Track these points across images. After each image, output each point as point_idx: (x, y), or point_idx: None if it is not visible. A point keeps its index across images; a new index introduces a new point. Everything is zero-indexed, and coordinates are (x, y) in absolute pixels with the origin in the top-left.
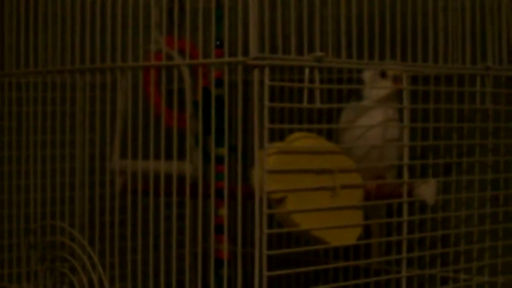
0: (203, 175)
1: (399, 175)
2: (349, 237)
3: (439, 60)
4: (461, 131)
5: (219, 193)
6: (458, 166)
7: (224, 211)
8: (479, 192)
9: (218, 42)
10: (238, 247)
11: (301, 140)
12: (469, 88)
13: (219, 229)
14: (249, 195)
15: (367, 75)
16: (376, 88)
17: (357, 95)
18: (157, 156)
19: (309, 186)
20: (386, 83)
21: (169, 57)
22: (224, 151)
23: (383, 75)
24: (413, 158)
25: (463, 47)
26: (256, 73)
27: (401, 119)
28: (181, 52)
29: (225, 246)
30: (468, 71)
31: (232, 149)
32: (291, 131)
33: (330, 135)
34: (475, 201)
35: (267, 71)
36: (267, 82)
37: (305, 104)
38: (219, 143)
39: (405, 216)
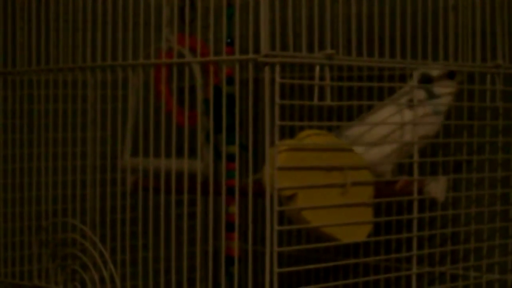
0: (214, 173)
1: (410, 172)
2: (360, 234)
3: (450, 58)
4: (471, 129)
5: (230, 191)
6: (468, 164)
7: (235, 209)
8: (489, 190)
9: (229, 40)
10: (249, 245)
11: (311, 137)
12: (480, 86)
13: (230, 227)
14: (260, 192)
15: (435, 74)
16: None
17: (429, 93)
18: (168, 154)
19: (319, 183)
20: (453, 84)
21: (181, 55)
22: (235, 148)
23: (450, 76)
24: (423, 156)
25: (473, 45)
26: (267, 70)
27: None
28: (192, 50)
29: (236, 244)
30: (478, 69)
31: (243, 148)
32: (302, 128)
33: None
34: (485, 199)
35: (278, 68)
36: (278, 79)
37: (315, 101)
38: (230, 141)
39: (415, 214)
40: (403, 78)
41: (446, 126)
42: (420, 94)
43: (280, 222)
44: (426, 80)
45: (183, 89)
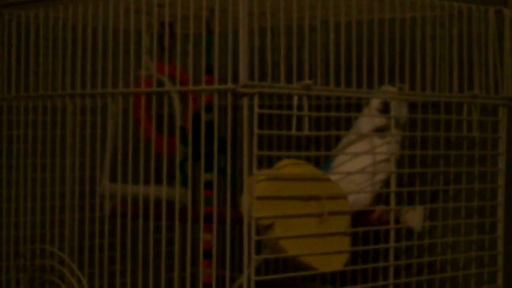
0: (192, 200)
1: (386, 202)
2: (337, 263)
3: (427, 88)
4: (448, 158)
5: (207, 218)
6: (445, 193)
7: (212, 236)
8: (466, 219)
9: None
10: (226, 272)
11: (289, 166)
12: (456, 116)
13: (206, 254)
14: (237, 220)
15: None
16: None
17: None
18: (146, 181)
19: (297, 212)
20: (381, 119)
21: (160, 83)
22: (213, 176)
23: (383, 110)
24: (400, 185)
25: (450, 75)
26: (245, 100)
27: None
28: (172, 77)
29: (213, 270)
30: (455, 99)
31: (221, 172)
32: (279, 158)
33: (318, 162)
34: (461, 228)
35: (256, 98)
36: (256, 109)
37: (293, 132)
38: (208, 168)
39: (392, 243)
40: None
41: (423, 156)
42: (382, 121)
43: (258, 250)
44: (385, 106)
45: (162, 116)
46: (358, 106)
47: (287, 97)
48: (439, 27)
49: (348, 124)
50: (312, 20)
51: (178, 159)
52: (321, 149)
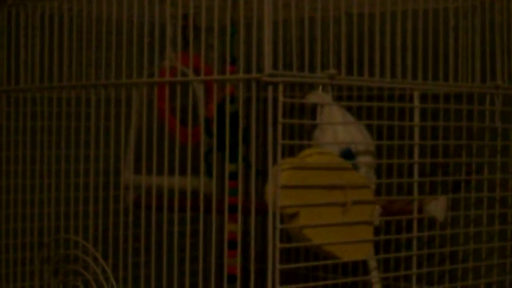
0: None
1: (410, 192)
2: (360, 253)
3: (450, 78)
4: (470, 149)
5: (231, 209)
6: (467, 183)
7: (236, 227)
8: (488, 209)
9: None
10: (251, 262)
11: (313, 156)
12: (479, 106)
13: (231, 245)
14: (261, 210)
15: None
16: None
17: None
18: (170, 172)
19: (321, 201)
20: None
21: (183, 74)
22: (236, 167)
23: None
24: (423, 175)
25: (473, 65)
26: (270, 90)
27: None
28: (195, 69)
29: (238, 261)
30: (477, 90)
31: (246, 163)
32: (301, 147)
33: None
34: (484, 218)
35: (281, 88)
36: (281, 98)
37: (319, 121)
38: (232, 159)
39: (415, 232)
40: (402, 98)
41: (445, 146)
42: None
43: (281, 240)
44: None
45: (184, 107)
46: (379, 97)
47: (309, 88)
48: (462, 18)
49: (369, 114)
50: (336, 11)
51: (202, 150)
52: None
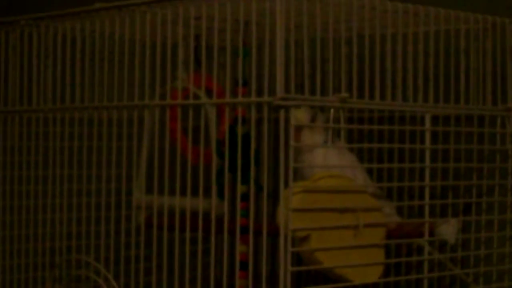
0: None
1: (421, 214)
2: (371, 275)
3: (461, 101)
4: (481, 171)
5: (242, 230)
6: (478, 206)
7: (246, 248)
8: (498, 231)
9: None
10: (262, 284)
11: (325, 179)
12: (490, 129)
13: (243, 266)
14: (272, 232)
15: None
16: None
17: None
18: (180, 192)
19: (332, 224)
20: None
21: (196, 96)
22: (247, 188)
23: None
24: (433, 198)
25: (484, 88)
26: (282, 113)
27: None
28: (207, 90)
29: (249, 282)
30: (488, 112)
31: (258, 188)
32: None
33: None
34: (494, 240)
35: (293, 111)
36: (293, 122)
37: (330, 144)
38: (243, 180)
39: (426, 255)
40: (413, 119)
41: (456, 169)
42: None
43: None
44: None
45: (196, 128)
46: (390, 118)
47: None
48: (473, 40)
49: (380, 137)
50: (348, 32)
51: (214, 171)
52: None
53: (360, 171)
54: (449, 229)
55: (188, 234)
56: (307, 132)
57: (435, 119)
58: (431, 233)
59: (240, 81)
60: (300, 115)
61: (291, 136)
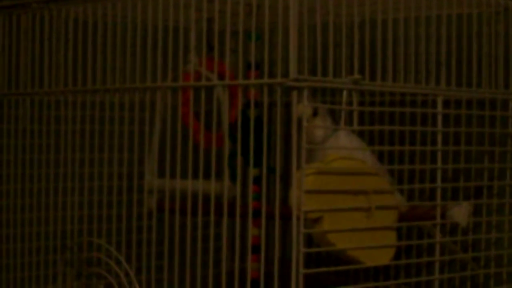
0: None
1: (432, 197)
2: (383, 258)
3: (473, 84)
4: (492, 155)
5: (254, 213)
6: (489, 189)
7: (258, 231)
8: (510, 215)
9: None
10: (275, 267)
11: (337, 161)
12: (501, 112)
13: (255, 249)
14: (284, 215)
15: None
16: None
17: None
18: (191, 176)
19: (345, 206)
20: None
21: (207, 79)
22: (259, 171)
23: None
24: (445, 181)
25: (496, 71)
26: (294, 95)
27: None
28: (219, 74)
29: (261, 265)
30: (500, 96)
31: (271, 171)
32: None
33: None
34: (505, 224)
35: (306, 93)
36: (306, 103)
37: (342, 126)
38: (256, 163)
39: (438, 238)
40: (425, 104)
41: (468, 152)
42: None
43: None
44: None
45: (207, 112)
46: (402, 103)
47: (331, 93)
48: (485, 24)
49: (392, 121)
50: (360, 16)
51: (226, 155)
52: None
53: (369, 155)
54: (461, 212)
55: (200, 218)
56: (319, 120)
57: (446, 104)
58: (443, 216)
59: (253, 64)
60: (302, 109)
61: (303, 117)
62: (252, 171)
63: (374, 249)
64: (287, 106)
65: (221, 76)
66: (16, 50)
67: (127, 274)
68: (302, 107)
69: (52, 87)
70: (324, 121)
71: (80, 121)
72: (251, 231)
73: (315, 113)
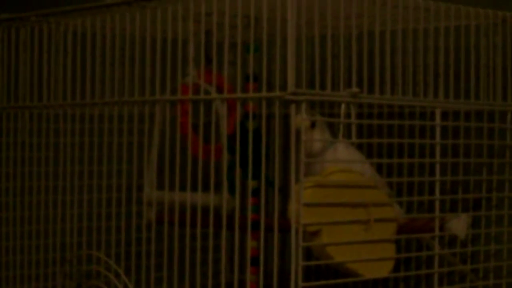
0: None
1: (430, 209)
2: (382, 270)
3: (471, 96)
4: (491, 166)
5: (253, 225)
6: (488, 201)
7: (256, 243)
8: (509, 227)
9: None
10: (273, 279)
11: (336, 174)
12: (500, 124)
13: (254, 261)
14: (283, 228)
15: None
16: None
17: None
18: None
19: (343, 219)
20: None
21: (206, 92)
22: (257, 183)
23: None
24: (443, 193)
25: (494, 83)
26: (293, 108)
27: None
28: (217, 86)
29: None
30: (498, 108)
31: (270, 184)
32: None
33: None
34: (504, 235)
35: (304, 106)
36: (304, 116)
37: (341, 139)
38: (254, 176)
39: (437, 250)
40: (423, 115)
41: (466, 164)
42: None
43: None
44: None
45: (207, 124)
46: (400, 114)
47: (328, 106)
48: (483, 36)
49: (390, 133)
50: (358, 28)
51: (225, 167)
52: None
53: (368, 167)
54: (459, 224)
55: (199, 230)
56: (317, 132)
57: (445, 116)
58: (442, 228)
59: (251, 77)
60: (300, 121)
61: (302, 130)
62: (250, 183)
63: (373, 261)
64: (286, 118)
65: (219, 89)
66: (15, 63)
67: (126, 287)
68: (300, 120)
69: (51, 101)
70: (323, 133)
71: (79, 134)
72: (250, 243)
73: (313, 125)
